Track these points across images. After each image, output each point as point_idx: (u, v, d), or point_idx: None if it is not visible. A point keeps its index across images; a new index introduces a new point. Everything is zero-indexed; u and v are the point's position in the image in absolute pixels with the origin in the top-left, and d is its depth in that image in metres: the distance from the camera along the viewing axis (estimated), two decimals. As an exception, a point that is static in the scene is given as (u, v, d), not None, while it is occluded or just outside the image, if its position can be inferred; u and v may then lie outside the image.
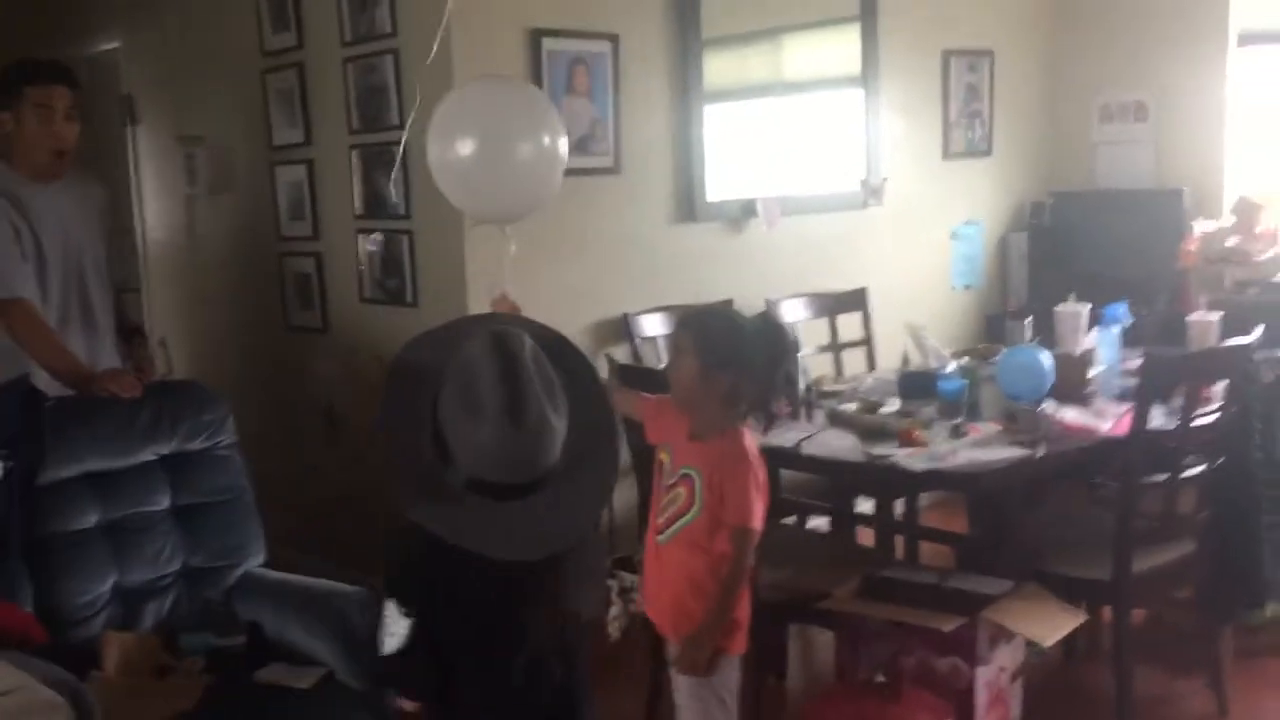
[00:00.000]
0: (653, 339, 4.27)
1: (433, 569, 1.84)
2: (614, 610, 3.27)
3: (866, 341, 4.87)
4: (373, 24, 4.01)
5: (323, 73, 4.28)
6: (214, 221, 5.04)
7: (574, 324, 4.12)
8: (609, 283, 4.24)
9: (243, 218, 4.85)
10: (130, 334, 3.71)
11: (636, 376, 3.24)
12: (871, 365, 4.79)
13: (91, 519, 2.89)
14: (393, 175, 3.99)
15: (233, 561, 3.07)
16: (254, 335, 4.92)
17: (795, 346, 2.66)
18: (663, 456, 2.64)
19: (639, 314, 4.27)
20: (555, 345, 1.98)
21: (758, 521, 2.46)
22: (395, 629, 1.86)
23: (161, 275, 5.47)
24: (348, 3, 4.10)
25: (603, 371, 3.45)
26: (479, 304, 3.88)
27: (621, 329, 4.24)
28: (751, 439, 2.54)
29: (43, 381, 3.11)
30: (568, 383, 1.85)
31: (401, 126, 3.97)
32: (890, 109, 5.15)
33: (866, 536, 4.15)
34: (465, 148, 2.95)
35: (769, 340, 2.52)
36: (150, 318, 5.54)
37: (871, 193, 5.08)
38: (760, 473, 2.49)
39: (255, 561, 3.10)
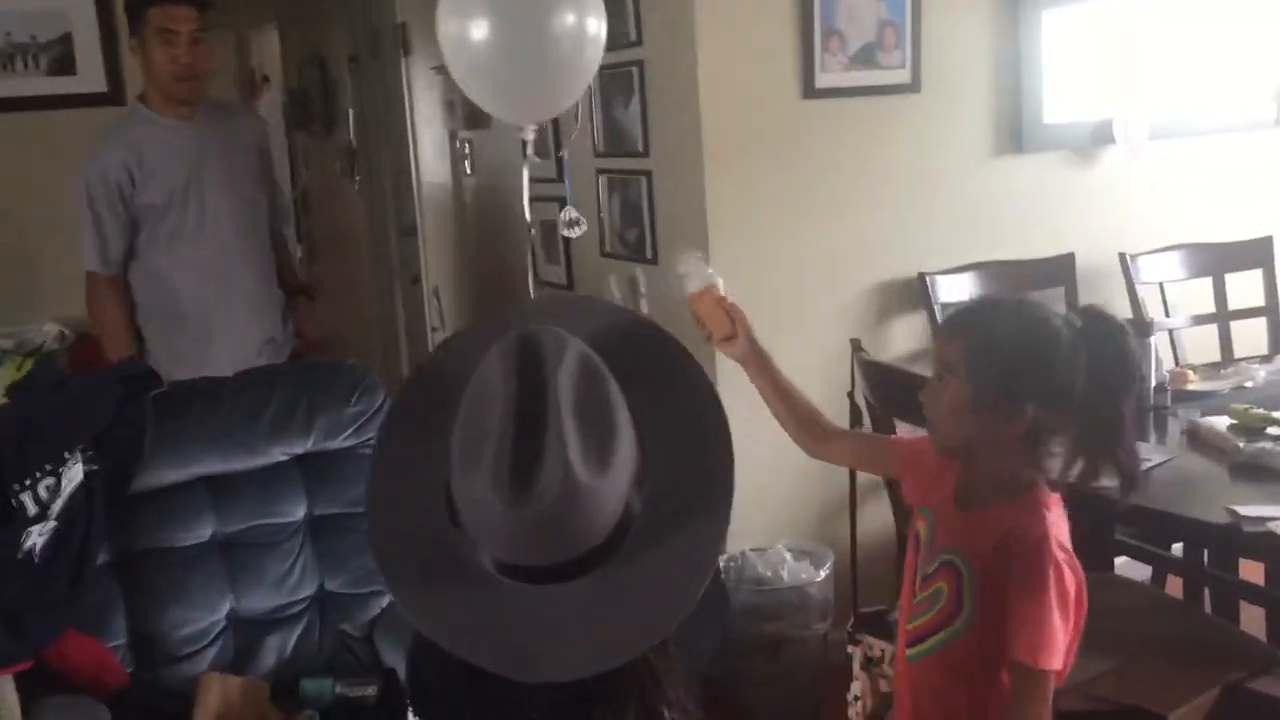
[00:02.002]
0: (959, 305, 3.31)
1: (455, 679, 1.21)
2: (855, 688, 2.44)
3: (1272, 311, 3.64)
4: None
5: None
6: (473, 159, 4.53)
7: (848, 286, 3.26)
8: (901, 233, 3.31)
9: (498, 155, 4.30)
10: (291, 293, 3.27)
11: (891, 385, 2.36)
12: (1276, 346, 3.57)
13: (204, 532, 2.40)
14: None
15: (377, 589, 2.50)
16: (505, 288, 4.39)
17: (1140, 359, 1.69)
18: (920, 526, 1.79)
19: (941, 273, 3.32)
20: (646, 354, 1.27)
21: (1059, 658, 1.57)
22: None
23: (434, 218, 5.06)
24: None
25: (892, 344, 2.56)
26: (721, 264, 3.09)
27: (916, 293, 3.31)
28: (1059, 511, 1.65)
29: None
30: (655, 408, 1.21)
31: (640, 42, 3.23)
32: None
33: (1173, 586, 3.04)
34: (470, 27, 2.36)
35: (1102, 349, 1.61)
36: (425, 264, 5.17)
37: (1286, 108, 3.80)
38: (1070, 574, 1.59)
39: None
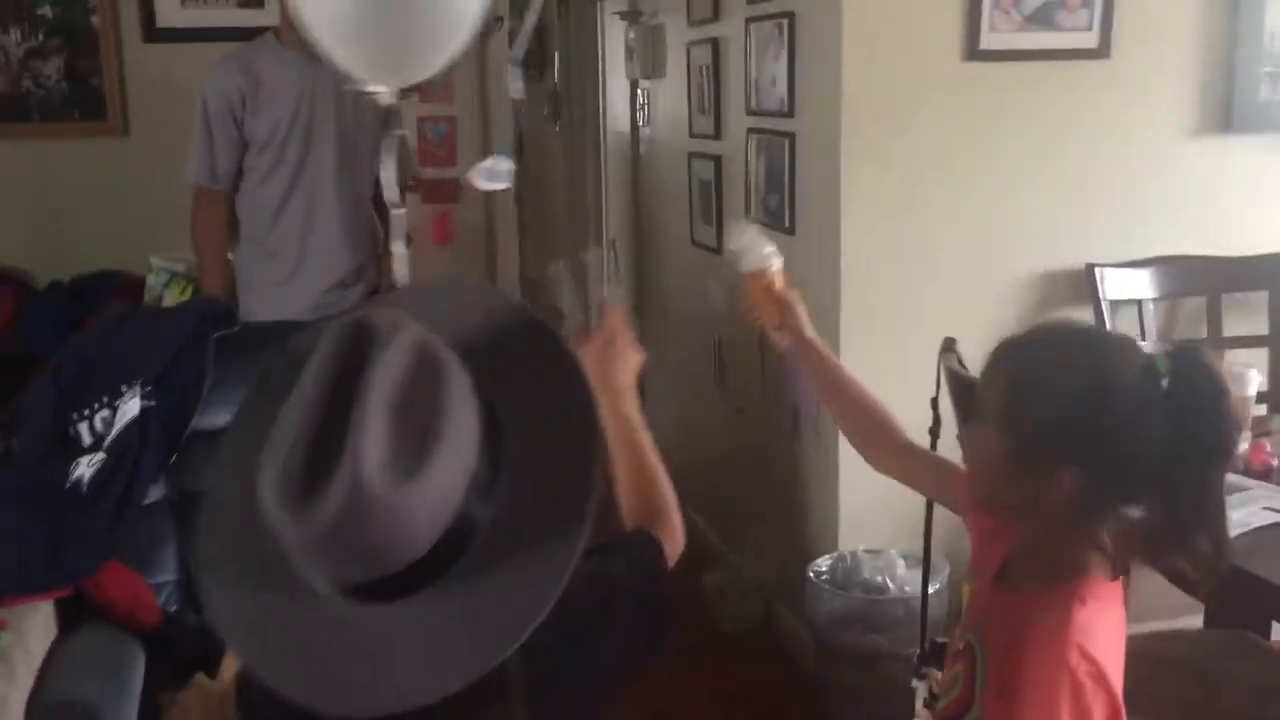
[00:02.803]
0: (1131, 304, 2.92)
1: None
2: (918, 726, 2.17)
3: None
4: None
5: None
6: (650, 110, 4.37)
7: (1002, 276, 2.93)
8: (1069, 217, 2.94)
9: (668, 107, 4.12)
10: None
11: (971, 402, 2.06)
12: None
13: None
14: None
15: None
16: (664, 247, 4.23)
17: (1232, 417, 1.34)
18: (966, 588, 1.56)
19: (1113, 266, 2.93)
20: (524, 353, 1.12)
21: None
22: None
23: (616, 169, 4.95)
24: None
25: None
26: (855, 245, 2.83)
27: (1081, 287, 2.94)
28: (1107, 609, 1.33)
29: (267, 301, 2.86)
30: (522, 412, 1.07)
31: (793, -9, 2.98)
32: None
33: None
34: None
35: (1189, 407, 1.27)
36: (606, 215, 5.08)
37: None
38: (1095, 693, 1.28)
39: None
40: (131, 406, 2.24)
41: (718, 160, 3.58)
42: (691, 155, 3.82)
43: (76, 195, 3.92)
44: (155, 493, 2.31)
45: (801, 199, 3.03)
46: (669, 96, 4.07)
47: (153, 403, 2.26)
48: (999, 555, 1.42)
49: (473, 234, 8.01)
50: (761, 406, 3.38)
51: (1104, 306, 2.90)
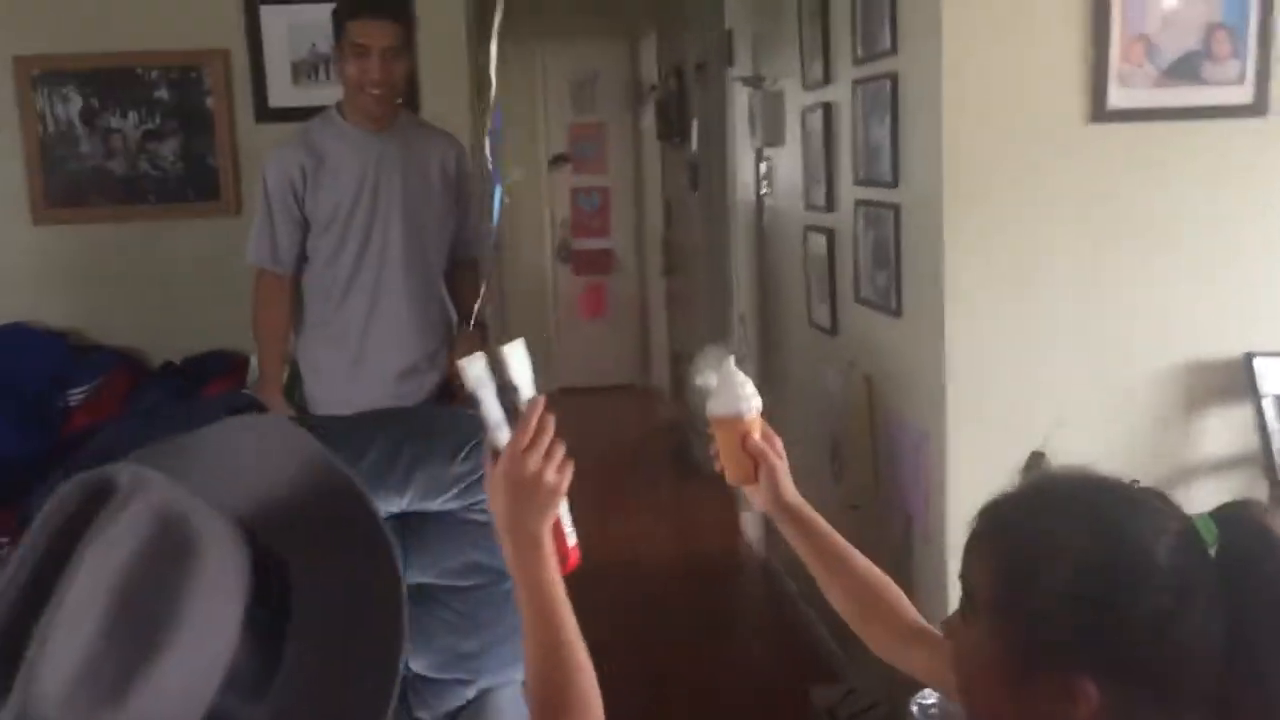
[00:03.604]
0: (1299, 400, 2.48)
1: None
2: None
3: None
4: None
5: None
6: (772, 179, 4.11)
7: (1141, 367, 2.54)
8: (1223, 299, 2.53)
9: (787, 176, 3.86)
10: (460, 323, 3.05)
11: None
12: None
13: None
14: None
15: (466, 676, 2.20)
16: (785, 326, 3.94)
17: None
18: None
19: (1276, 355, 2.50)
20: (327, 523, 0.93)
21: None
22: None
23: (745, 239, 4.70)
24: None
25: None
26: (963, 331, 2.50)
27: (1236, 379, 2.51)
28: None
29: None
30: (316, 596, 0.87)
31: (895, 50, 2.69)
32: None
33: None
34: None
35: (1246, 590, 0.94)
36: (736, 286, 4.82)
37: None
38: None
39: (501, 680, 2.20)
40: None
41: (830, 234, 3.29)
42: (807, 228, 3.54)
43: (190, 275, 3.91)
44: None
45: (908, 277, 2.71)
46: (788, 165, 3.81)
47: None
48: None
49: (626, 307, 7.92)
50: (875, 505, 3.05)
51: (1265, 403, 2.47)
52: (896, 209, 2.73)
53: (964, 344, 2.50)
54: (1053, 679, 0.96)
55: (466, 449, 2.25)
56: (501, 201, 3.15)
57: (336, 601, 0.85)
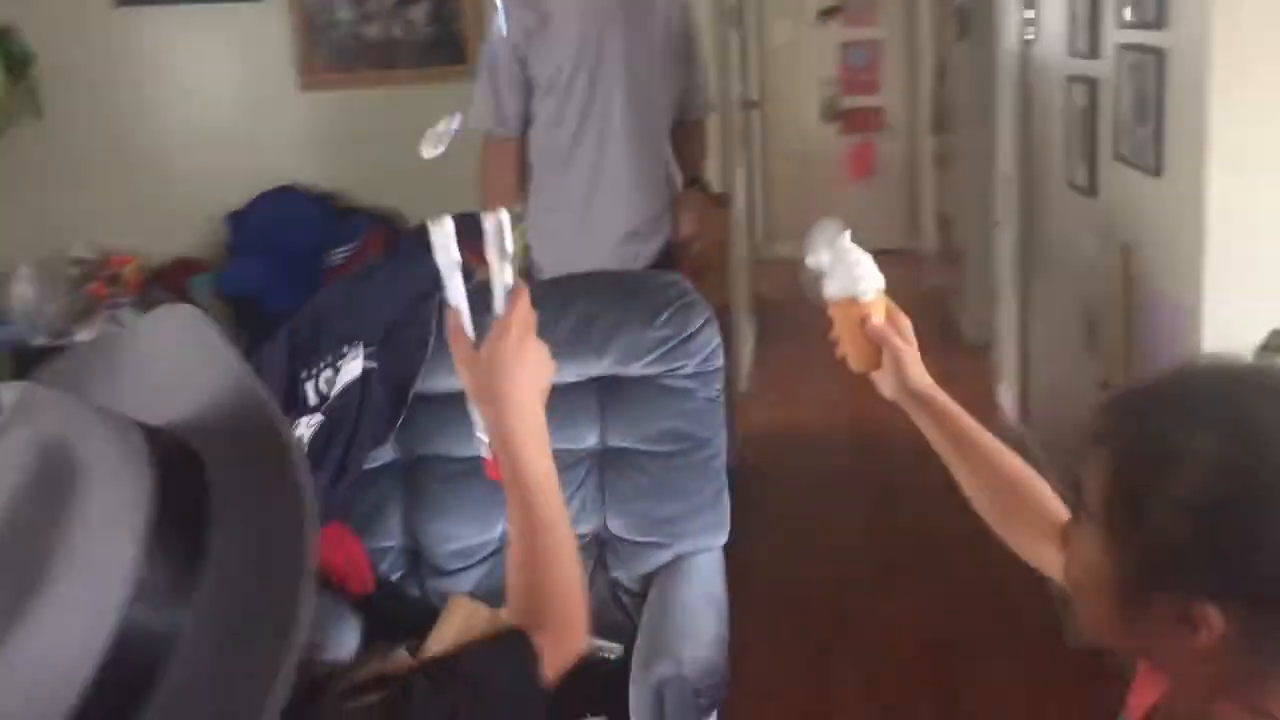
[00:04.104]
0: None
1: None
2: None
3: None
4: None
5: None
6: (1038, 23, 3.76)
7: None
8: None
9: (1052, 18, 3.50)
10: (688, 183, 2.95)
11: None
12: None
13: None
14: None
15: (663, 540, 2.19)
16: (1044, 188, 3.64)
17: None
18: None
19: None
20: (250, 445, 0.83)
21: None
22: None
23: (1010, 95, 4.34)
24: None
25: None
26: (1228, 191, 2.21)
27: None
28: None
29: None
30: (235, 526, 0.80)
31: None
32: None
33: None
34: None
35: None
36: (1001, 146, 4.48)
37: None
38: None
39: (698, 546, 2.18)
40: (353, 367, 2.18)
41: (1092, 84, 2.98)
42: (1069, 79, 3.22)
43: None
44: (383, 456, 2.25)
45: (1171, 131, 2.42)
46: (1052, 6, 3.46)
47: (374, 364, 2.19)
48: (1143, 704, 0.95)
49: (895, 168, 7.58)
50: (1125, 382, 2.80)
51: None
52: (1161, 53, 2.42)
53: (1228, 207, 2.22)
54: (1171, 601, 0.83)
55: (667, 313, 2.22)
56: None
57: (253, 499, 0.81)
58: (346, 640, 2.12)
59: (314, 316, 2.25)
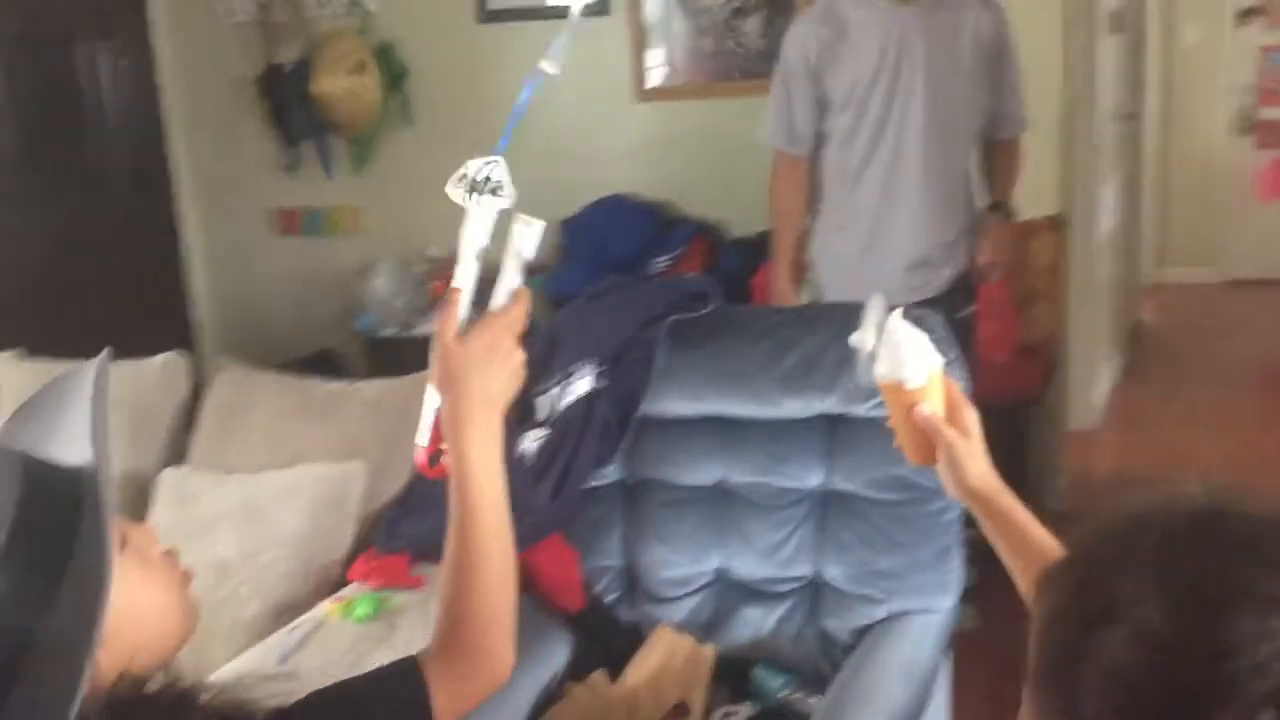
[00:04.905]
0: None
1: None
2: None
3: None
4: None
5: None
6: None
7: None
8: None
9: None
10: (991, 207, 2.82)
11: None
12: None
13: (705, 476, 2.19)
14: None
15: (877, 595, 2.04)
16: None
17: None
18: None
19: None
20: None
21: None
22: None
23: None
24: None
25: None
26: None
27: None
28: None
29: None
30: None
31: None
32: None
33: None
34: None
35: None
36: None
37: None
38: None
39: (915, 606, 2.01)
40: (580, 386, 2.19)
41: None
42: None
43: (767, 150, 3.97)
44: (608, 475, 2.25)
45: None
46: None
47: (603, 384, 2.19)
48: None
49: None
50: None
51: None
52: None
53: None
54: None
55: (900, 353, 2.05)
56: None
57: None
58: (556, 655, 2.15)
59: (551, 333, 2.28)
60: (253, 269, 4.81)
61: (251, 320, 4.83)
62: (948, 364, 1.23)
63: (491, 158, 1.13)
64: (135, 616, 0.87)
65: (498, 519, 1.06)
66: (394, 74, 4.43)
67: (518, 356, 1.09)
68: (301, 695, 0.99)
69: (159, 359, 2.70)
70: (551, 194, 4.21)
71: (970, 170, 2.86)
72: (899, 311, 1.19)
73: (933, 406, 1.15)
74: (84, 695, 0.79)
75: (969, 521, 1.24)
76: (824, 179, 2.91)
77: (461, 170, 1.12)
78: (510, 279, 1.11)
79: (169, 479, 2.37)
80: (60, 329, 3.10)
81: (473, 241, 1.12)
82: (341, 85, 4.35)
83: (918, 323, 1.20)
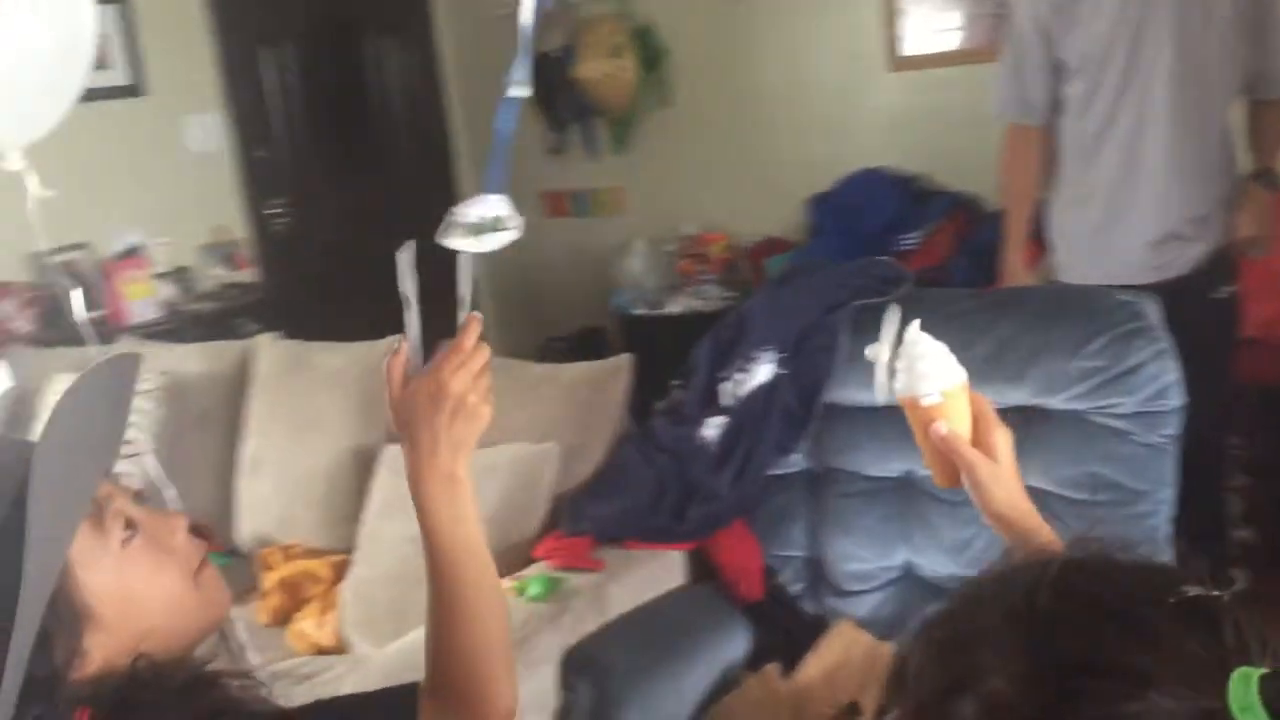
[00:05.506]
0: None
1: None
2: None
3: None
4: None
5: None
6: None
7: None
8: None
9: None
10: (1254, 175, 2.51)
11: None
12: None
13: (892, 467, 2.09)
14: None
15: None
16: None
17: None
18: None
19: None
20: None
21: None
22: None
23: None
24: None
25: None
26: None
27: None
28: None
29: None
30: None
31: None
32: None
33: None
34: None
35: None
36: None
37: None
38: None
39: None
40: (762, 372, 2.15)
41: None
42: None
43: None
44: (794, 463, 2.20)
45: None
46: None
47: (784, 370, 2.14)
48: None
49: None
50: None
51: None
52: None
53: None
54: None
55: (1100, 341, 1.92)
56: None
57: None
58: (736, 643, 2.13)
59: (739, 319, 2.25)
60: (524, 251, 5.01)
61: (524, 300, 5.04)
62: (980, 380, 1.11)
63: (481, 198, 1.08)
64: (143, 604, 0.92)
65: (473, 569, 1.01)
66: (652, 56, 4.49)
67: (472, 398, 1.01)
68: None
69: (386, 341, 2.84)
70: (810, 167, 4.16)
71: (1230, 133, 2.56)
72: (917, 323, 1.09)
73: (953, 424, 1.05)
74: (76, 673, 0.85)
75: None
76: (1061, 150, 2.69)
77: (448, 218, 1.07)
78: (462, 308, 1.06)
79: (389, 453, 2.51)
80: (350, 309, 3.35)
81: (403, 286, 1.06)
82: (601, 69, 4.45)
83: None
